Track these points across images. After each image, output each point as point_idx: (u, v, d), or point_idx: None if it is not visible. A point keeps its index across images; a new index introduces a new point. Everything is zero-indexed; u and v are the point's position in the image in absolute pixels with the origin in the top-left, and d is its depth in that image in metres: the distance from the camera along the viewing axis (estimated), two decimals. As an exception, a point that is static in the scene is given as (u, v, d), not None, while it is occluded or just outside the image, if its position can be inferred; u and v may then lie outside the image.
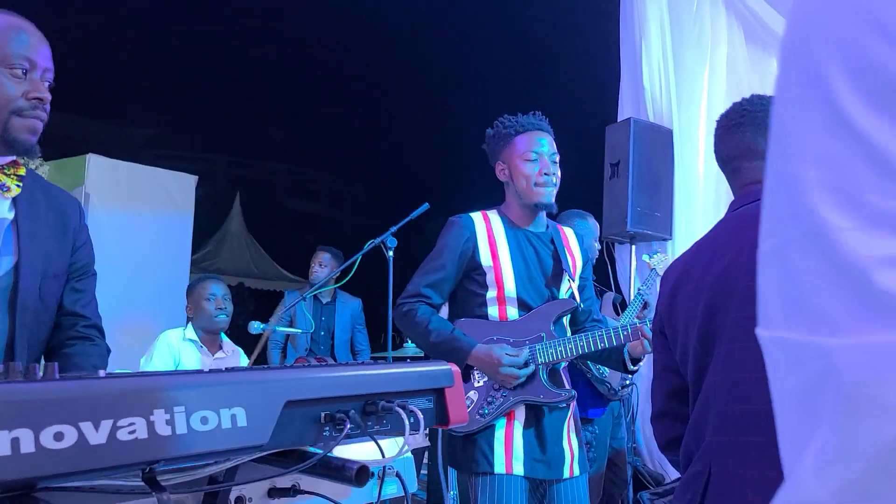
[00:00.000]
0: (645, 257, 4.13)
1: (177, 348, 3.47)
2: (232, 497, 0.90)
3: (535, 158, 2.46)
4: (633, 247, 4.81)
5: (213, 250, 19.29)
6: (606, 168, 4.79)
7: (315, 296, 5.20)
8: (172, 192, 8.58)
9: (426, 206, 3.41)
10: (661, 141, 4.77)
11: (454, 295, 2.55)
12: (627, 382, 3.90)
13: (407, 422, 0.91)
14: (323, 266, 5.19)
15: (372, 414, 0.91)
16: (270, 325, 3.60)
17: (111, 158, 7.98)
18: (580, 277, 2.61)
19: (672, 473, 4.71)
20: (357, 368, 0.92)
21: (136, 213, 7.98)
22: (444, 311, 2.63)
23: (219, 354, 3.57)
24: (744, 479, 1.42)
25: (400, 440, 0.96)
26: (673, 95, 4.83)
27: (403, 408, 0.91)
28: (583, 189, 5.20)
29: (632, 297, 4.77)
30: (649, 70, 4.84)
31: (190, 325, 3.59)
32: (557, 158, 2.52)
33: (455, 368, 1.03)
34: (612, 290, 4.46)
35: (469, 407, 2.38)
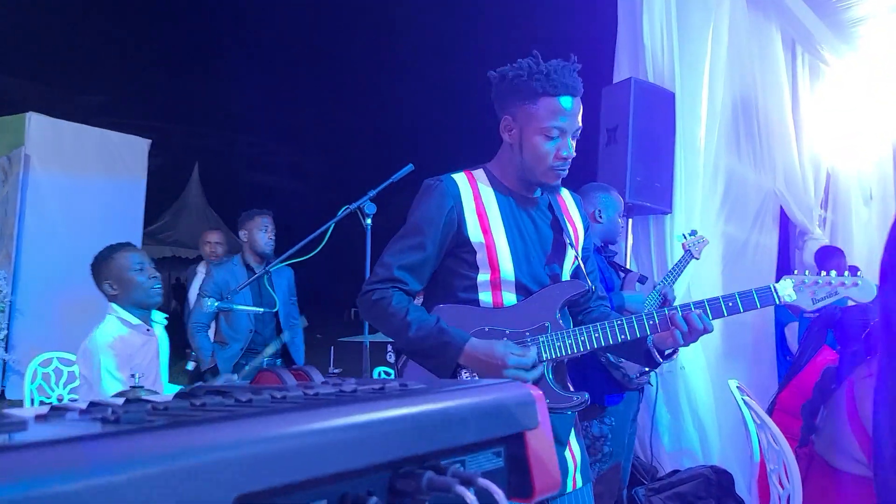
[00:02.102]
0: (679, 237, 3.72)
1: (120, 347, 2.88)
2: None
3: (557, 137, 1.91)
4: (630, 220, 4.41)
5: (170, 222, 18.63)
6: (602, 133, 4.36)
7: (249, 267, 4.52)
8: (123, 156, 8.00)
9: (410, 167, 2.95)
10: (661, 105, 4.36)
11: (433, 277, 2.06)
12: (647, 369, 3.48)
13: (473, 507, 0.46)
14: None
15: (406, 496, 0.46)
16: (208, 304, 3.04)
17: (54, 118, 7.34)
18: (582, 249, 2.15)
19: (667, 466, 4.37)
20: (375, 405, 0.47)
21: (82, 178, 7.40)
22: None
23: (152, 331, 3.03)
24: None
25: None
26: (676, 55, 4.41)
27: (467, 481, 0.46)
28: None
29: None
30: (650, 26, 4.40)
31: (117, 307, 2.96)
32: (579, 133, 1.98)
33: (537, 393, 0.58)
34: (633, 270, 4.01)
35: None
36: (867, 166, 7.93)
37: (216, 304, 3.00)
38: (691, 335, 1.88)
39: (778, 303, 1.88)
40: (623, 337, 1.92)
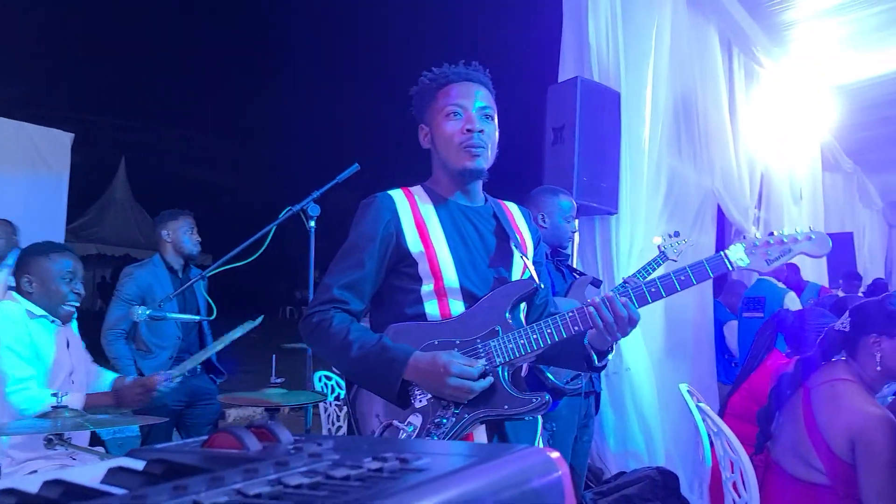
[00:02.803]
0: (658, 238, 3.63)
1: (23, 325, 2.67)
2: None
3: (459, 113, 1.93)
4: (576, 221, 4.36)
5: (95, 218, 17.95)
6: (548, 132, 4.30)
7: (171, 269, 4.16)
8: (44, 151, 7.58)
9: (356, 166, 2.82)
10: (607, 104, 4.33)
11: (378, 297, 1.98)
12: (579, 373, 3.37)
13: None
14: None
15: None
16: (139, 312, 2.81)
17: (-33, 109, 6.90)
18: (533, 262, 2.07)
19: (613, 468, 4.35)
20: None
21: (2, 174, 6.97)
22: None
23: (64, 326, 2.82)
24: None
25: None
26: (621, 55, 4.39)
27: None
28: (517, 156, 4.71)
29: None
30: (596, 25, 4.37)
31: (20, 297, 2.76)
32: (493, 113, 1.97)
33: (558, 458, 0.48)
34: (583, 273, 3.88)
35: (411, 436, 1.80)
36: (798, 167, 8.17)
37: (148, 312, 2.79)
38: (618, 326, 1.77)
39: (731, 269, 1.79)
40: (576, 328, 1.83)
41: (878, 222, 13.67)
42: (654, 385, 4.43)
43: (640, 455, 4.33)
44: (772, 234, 1.79)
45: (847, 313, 2.36)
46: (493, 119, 1.97)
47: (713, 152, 5.91)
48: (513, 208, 2.13)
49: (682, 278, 1.80)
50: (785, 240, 1.77)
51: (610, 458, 4.38)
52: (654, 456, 4.30)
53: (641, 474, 4.09)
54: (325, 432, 4.66)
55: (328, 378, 5.01)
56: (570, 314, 1.84)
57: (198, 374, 4.18)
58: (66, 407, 2.02)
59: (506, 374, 1.85)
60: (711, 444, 2.74)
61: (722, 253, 1.82)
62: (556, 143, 4.22)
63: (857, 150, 10.52)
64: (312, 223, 2.93)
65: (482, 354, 1.84)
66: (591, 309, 1.78)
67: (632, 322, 1.78)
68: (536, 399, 1.82)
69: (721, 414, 3.07)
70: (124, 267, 4.34)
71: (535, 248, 2.11)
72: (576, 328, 1.83)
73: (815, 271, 8.13)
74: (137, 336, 4.07)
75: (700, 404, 2.77)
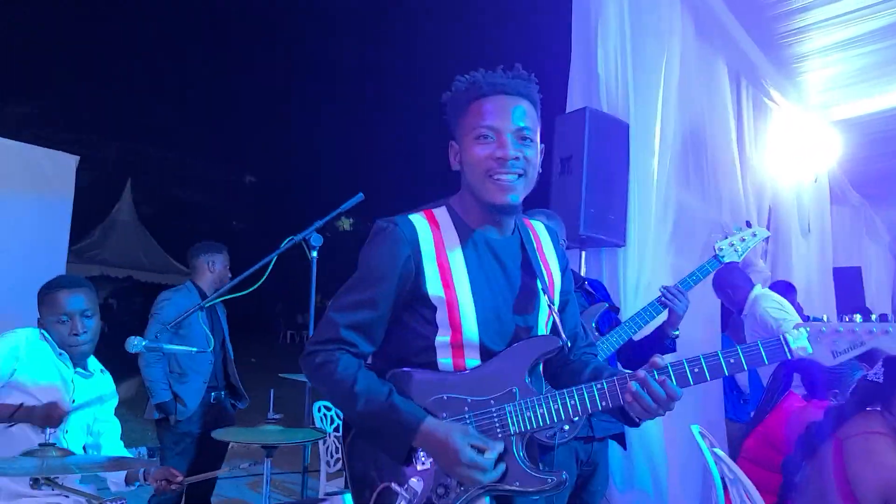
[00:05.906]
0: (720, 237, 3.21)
1: (23, 348, 2.60)
2: None
3: (490, 136, 1.68)
4: (584, 253, 4.29)
5: (99, 239, 17.96)
6: (555, 163, 4.25)
7: (205, 297, 4.18)
8: (49, 174, 7.56)
9: (360, 196, 2.76)
10: (616, 135, 4.28)
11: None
12: (566, 427, 3.13)
13: None
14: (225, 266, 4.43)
15: None
16: (134, 343, 2.72)
17: (-27, 131, 6.88)
18: (560, 293, 1.90)
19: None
20: None
21: (5, 196, 6.94)
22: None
23: (80, 371, 2.75)
24: None
25: None
26: (630, 86, 4.35)
27: None
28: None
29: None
30: (605, 56, 4.34)
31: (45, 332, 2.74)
32: (533, 134, 1.71)
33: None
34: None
35: (411, 503, 1.65)
36: (806, 200, 8.11)
37: (144, 343, 2.72)
38: (659, 406, 1.59)
39: (790, 358, 1.55)
40: (604, 404, 1.65)
41: (885, 257, 13.56)
42: (661, 422, 4.33)
43: (646, 494, 4.21)
44: (843, 318, 1.54)
45: (881, 363, 2.26)
46: (533, 140, 1.72)
47: (721, 184, 5.84)
48: (540, 232, 1.93)
49: (732, 361, 1.58)
50: (857, 330, 1.52)
51: (616, 497, 4.26)
52: (660, 495, 4.18)
53: (649, 515, 3.98)
54: (322, 465, 4.56)
55: (328, 409, 4.92)
56: (599, 388, 1.65)
57: (222, 399, 4.32)
58: (53, 444, 1.94)
59: (521, 447, 1.69)
60: (725, 489, 2.64)
61: (782, 336, 1.57)
62: (564, 173, 4.17)
63: (864, 184, 10.46)
64: (314, 253, 2.87)
65: (496, 418, 1.69)
66: (628, 395, 1.61)
67: (672, 399, 1.59)
68: (552, 479, 1.66)
69: (734, 457, 2.97)
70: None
71: (562, 276, 1.93)
72: (603, 403, 1.65)
73: (823, 307, 8.02)
74: (174, 359, 4.13)
75: (715, 449, 2.67)
